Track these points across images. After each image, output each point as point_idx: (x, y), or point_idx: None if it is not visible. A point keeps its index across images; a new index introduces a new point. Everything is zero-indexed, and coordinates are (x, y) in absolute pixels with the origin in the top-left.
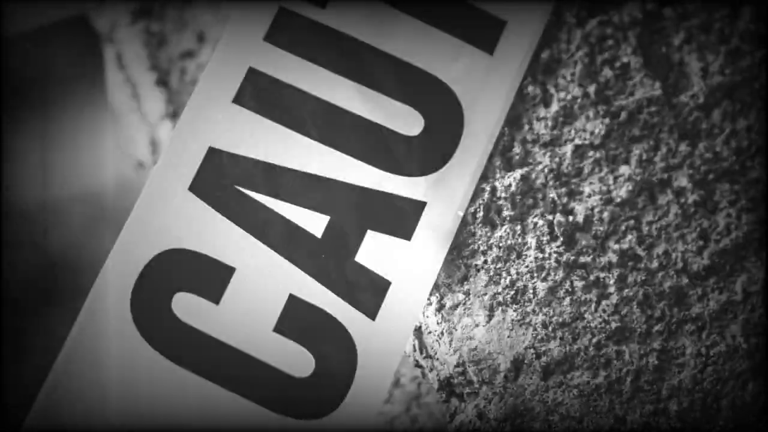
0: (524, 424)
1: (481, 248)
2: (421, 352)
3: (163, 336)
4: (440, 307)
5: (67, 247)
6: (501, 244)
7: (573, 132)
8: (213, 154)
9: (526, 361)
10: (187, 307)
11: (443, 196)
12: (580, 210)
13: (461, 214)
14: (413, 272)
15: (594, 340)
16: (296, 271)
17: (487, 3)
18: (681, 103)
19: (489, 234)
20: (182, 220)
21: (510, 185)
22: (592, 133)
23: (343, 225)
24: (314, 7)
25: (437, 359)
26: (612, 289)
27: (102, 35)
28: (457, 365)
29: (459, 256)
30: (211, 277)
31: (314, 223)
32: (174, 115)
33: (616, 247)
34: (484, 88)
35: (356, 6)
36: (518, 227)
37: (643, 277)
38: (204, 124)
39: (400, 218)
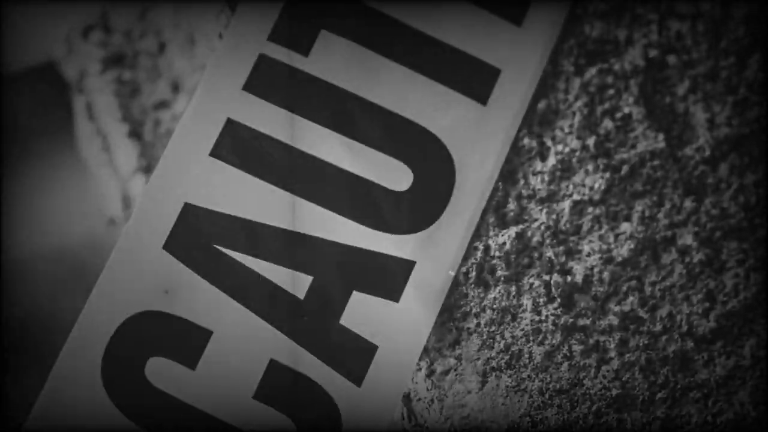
0: None
1: (474, 310)
2: (410, 420)
3: (136, 403)
4: (430, 373)
5: (37, 309)
6: (495, 306)
7: (571, 187)
8: (189, 210)
9: (521, 430)
10: (162, 372)
11: (433, 255)
12: (578, 270)
13: (452, 274)
14: (401, 336)
15: (594, 408)
16: (277, 334)
17: (480, 50)
18: (686, 157)
19: (482, 295)
20: (156, 281)
21: (504, 243)
22: (591, 188)
23: (327, 286)
24: (297, 55)
25: (427, 428)
26: (613, 354)
27: (71, 84)
28: None
29: (450, 318)
30: (187, 341)
31: (297, 283)
32: (147, 169)
33: (617, 309)
34: (477, 141)
35: (341, 53)
36: (513, 288)
37: (646, 341)
38: (179, 178)
39: (387, 278)
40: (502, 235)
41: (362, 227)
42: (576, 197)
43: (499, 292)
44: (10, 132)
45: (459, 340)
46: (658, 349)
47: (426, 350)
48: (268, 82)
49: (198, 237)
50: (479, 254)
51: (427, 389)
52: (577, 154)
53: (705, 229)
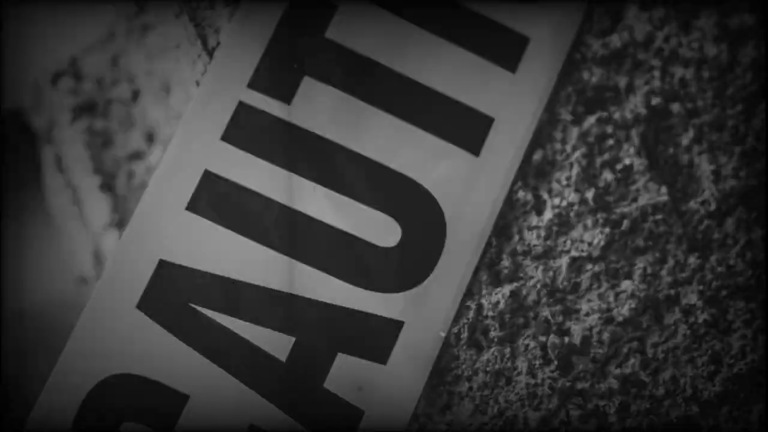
0: None
1: (466, 373)
2: None
3: None
4: None
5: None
6: (488, 369)
7: (569, 243)
8: (164, 267)
9: None
10: None
11: (423, 315)
12: (576, 330)
13: (443, 335)
14: (390, 400)
15: None
16: (258, 399)
17: (472, 97)
18: (690, 211)
19: (474, 357)
20: (130, 342)
21: (498, 302)
22: (590, 244)
23: (310, 347)
24: (278, 102)
25: None
26: (613, 419)
27: (39, 134)
28: None
29: (441, 381)
30: (162, 405)
31: (278, 345)
32: (120, 223)
33: (618, 372)
34: (469, 194)
35: (326, 101)
36: (507, 350)
37: (648, 406)
38: (154, 234)
39: (374, 339)
40: (496, 294)
41: (348, 285)
42: (574, 253)
43: (493, 354)
44: None
45: (450, 404)
46: (660, 415)
47: (415, 415)
48: (248, 131)
49: (173, 296)
50: (471, 314)
51: None
52: (575, 207)
53: (710, 287)
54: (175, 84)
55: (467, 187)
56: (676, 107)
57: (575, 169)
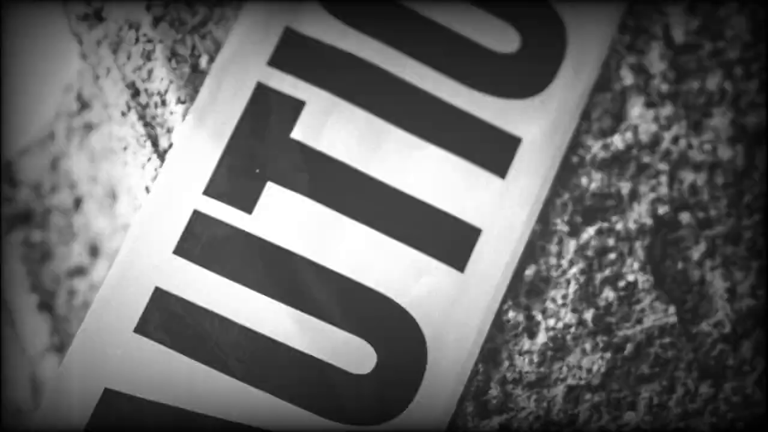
0: None
1: None
2: None
3: None
4: None
5: None
6: None
7: (565, 369)
8: (109, 396)
9: None
10: None
11: None
12: None
13: None
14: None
15: None
16: None
17: (456, 206)
18: (702, 333)
19: None
20: None
21: None
22: (589, 370)
23: None
24: (238, 212)
25: None
26: None
27: None
28: None
29: None
30: None
31: None
32: (60, 347)
33: None
34: (453, 314)
35: (291, 210)
36: None
37: None
38: (98, 359)
39: None
40: (483, 426)
41: (316, 417)
42: (571, 381)
43: None
44: None
45: None
46: None
47: None
48: (203, 244)
49: (121, 428)
50: None
51: None
52: (573, 330)
53: (724, 419)
54: (121, 190)
55: (451, 306)
56: (685, 217)
57: (572, 287)
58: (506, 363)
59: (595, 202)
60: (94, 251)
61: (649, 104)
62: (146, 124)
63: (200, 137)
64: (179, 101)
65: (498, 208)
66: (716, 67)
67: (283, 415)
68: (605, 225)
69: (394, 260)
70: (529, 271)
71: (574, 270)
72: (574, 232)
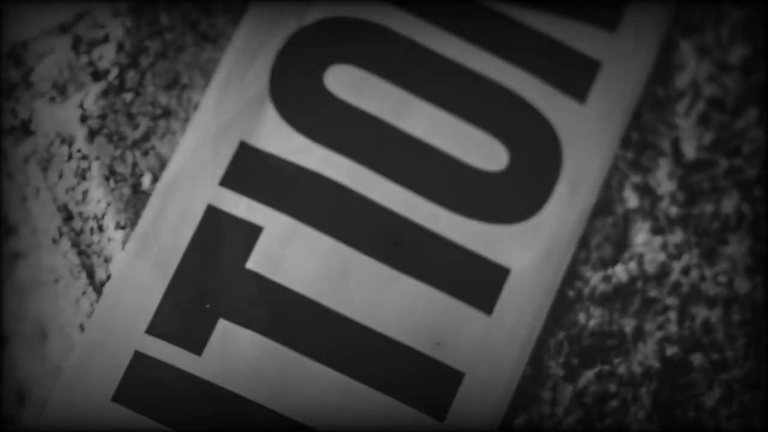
0: None
1: None
2: None
3: None
4: None
5: None
6: None
7: None
8: None
9: None
10: None
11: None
12: None
13: None
14: None
15: None
16: None
17: (435, 350)
18: None
19: None
20: None
21: None
22: None
23: None
24: (186, 352)
25: None
26: None
27: None
28: None
29: None
30: None
31: None
32: None
33: None
34: None
35: (247, 351)
36: None
37: None
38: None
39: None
40: None
41: None
42: None
43: None
44: None
45: None
46: None
47: None
48: (146, 392)
49: None
50: None
51: None
52: None
53: None
54: (52, 329)
55: None
56: (697, 359)
57: None
58: None
59: (594, 342)
60: (21, 399)
61: (656, 230)
62: (81, 253)
63: (143, 268)
64: (118, 226)
65: (483, 349)
66: (732, 187)
67: None
68: (606, 368)
69: (364, 408)
70: (520, 420)
71: (571, 420)
72: (571, 376)
